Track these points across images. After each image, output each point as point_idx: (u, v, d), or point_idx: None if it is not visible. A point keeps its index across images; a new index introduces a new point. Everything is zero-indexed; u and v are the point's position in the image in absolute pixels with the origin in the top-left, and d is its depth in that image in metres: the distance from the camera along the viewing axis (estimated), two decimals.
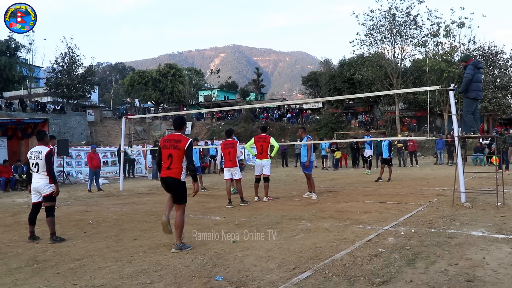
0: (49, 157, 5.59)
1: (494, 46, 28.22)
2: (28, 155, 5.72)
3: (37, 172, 5.60)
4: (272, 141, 8.86)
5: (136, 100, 52.13)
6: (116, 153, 19.10)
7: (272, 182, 8.80)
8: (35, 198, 5.72)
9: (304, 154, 9.20)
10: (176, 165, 4.79)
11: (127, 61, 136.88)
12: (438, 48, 28.36)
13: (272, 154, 8.99)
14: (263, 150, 8.83)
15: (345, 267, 3.82)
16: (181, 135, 4.91)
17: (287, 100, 48.97)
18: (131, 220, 7.11)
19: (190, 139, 4.88)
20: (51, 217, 5.58)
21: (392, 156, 13.05)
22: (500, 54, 28.27)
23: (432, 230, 5.28)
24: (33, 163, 5.62)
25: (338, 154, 19.79)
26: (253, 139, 9.12)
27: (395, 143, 19.25)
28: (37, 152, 5.61)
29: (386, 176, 12.83)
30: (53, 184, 5.63)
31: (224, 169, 8.58)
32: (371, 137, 16.23)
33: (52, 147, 5.94)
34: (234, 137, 9.22)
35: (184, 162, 4.85)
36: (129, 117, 16.92)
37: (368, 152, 16.46)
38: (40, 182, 5.60)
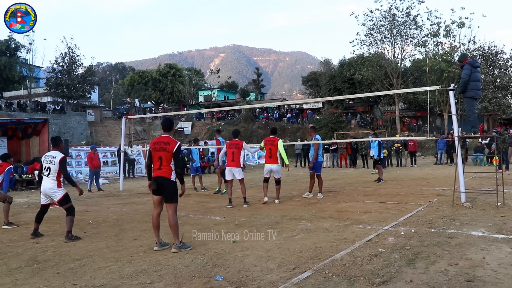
0: (63, 163, 5.83)
1: (494, 46, 28.28)
2: (42, 159, 6.01)
3: (48, 176, 5.82)
4: (280, 145, 8.40)
5: (136, 100, 52.19)
6: (116, 153, 19.09)
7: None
8: (44, 200, 5.97)
9: (317, 154, 9.13)
10: (166, 166, 4.85)
11: (127, 61, 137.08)
12: (438, 48, 28.40)
13: (286, 162, 8.54)
14: (272, 154, 8.44)
15: (345, 267, 3.82)
16: (170, 138, 4.94)
17: (287, 100, 48.97)
18: (131, 220, 7.12)
19: (179, 142, 4.89)
20: (71, 216, 5.78)
21: (381, 157, 13.00)
22: (500, 54, 28.30)
23: (432, 230, 5.27)
24: (45, 167, 5.85)
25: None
26: (263, 141, 8.74)
27: (393, 145, 19.26)
28: (51, 157, 5.87)
29: (384, 176, 12.82)
30: (61, 189, 5.84)
31: (227, 168, 8.54)
32: (379, 137, 16.13)
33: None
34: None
35: (173, 164, 4.88)
36: (129, 117, 16.88)
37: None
38: (48, 186, 5.82)
